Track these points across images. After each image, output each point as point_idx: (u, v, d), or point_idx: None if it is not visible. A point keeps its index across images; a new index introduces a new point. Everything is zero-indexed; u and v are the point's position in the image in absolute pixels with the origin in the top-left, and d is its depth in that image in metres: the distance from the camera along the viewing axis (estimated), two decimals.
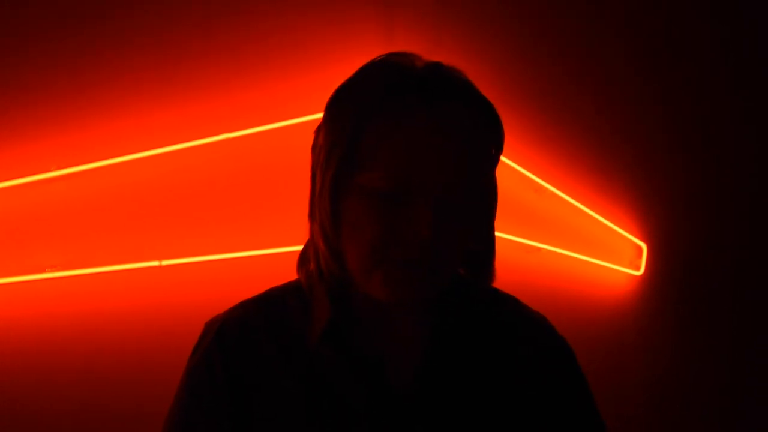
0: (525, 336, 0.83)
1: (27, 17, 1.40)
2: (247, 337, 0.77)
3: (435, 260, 0.67)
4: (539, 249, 1.89)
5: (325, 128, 0.71)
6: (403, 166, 0.65)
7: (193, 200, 1.54)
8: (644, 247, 2.09)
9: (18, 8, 1.40)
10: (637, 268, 2.08)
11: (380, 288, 0.69)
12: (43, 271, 1.40)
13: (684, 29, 2.12)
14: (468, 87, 0.70)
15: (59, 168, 1.40)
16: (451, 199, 0.67)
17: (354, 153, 0.67)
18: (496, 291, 0.86)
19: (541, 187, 1.88)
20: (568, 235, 1.96)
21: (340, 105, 0.71)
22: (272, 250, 1.55)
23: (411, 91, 0.67)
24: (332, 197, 0.69)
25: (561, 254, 1.93)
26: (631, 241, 2.07)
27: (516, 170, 1.82)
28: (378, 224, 0.66)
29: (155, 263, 1.48)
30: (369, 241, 0.67)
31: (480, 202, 0.72)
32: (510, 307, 0.86)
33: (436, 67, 0.70)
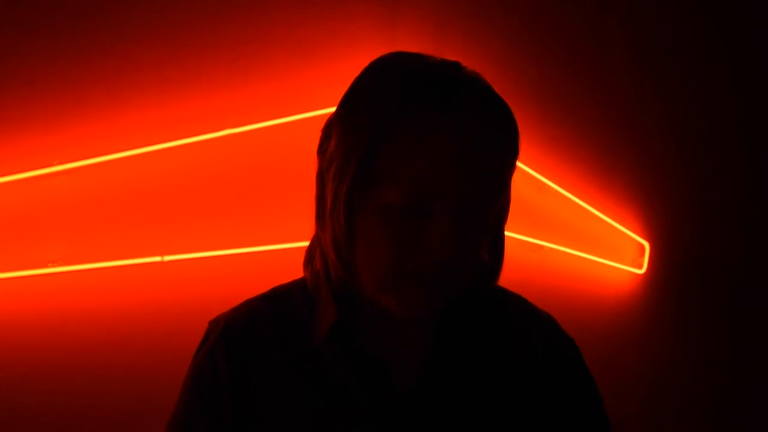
0: (531, 334, 0.82)
1: (29, 12, 1.40)
2: (252, 336, 0.77)
3: (453, 276, 0.66)
4: (542, 247, 1.89)
5: (337, 135, 0.67)
6: (423, 182, 0.62)
7: (196, 196, 1.54)
8: (647, 245, 2.08)
9: (20, 3, 1.40)
10: (640, 267, 2.08)
11: (395, 305, 0.67)
12: (45, 265, 1.40)
13: (687, 29, 2.11)
14: (490, 95, 0.67)
15: (61, 163, 1.40)
16: (471, 211, 0.64)
17: (370, 166, 0.63)
18: (504, 290, 0.85)
19: (544, 185, 1.88)
20: (570, 234, 1.96)
21: (355, 112, 0.66)
22: (275, 246, 1.55)
23: (431, 100, 0.63)
24: (347, 212, 0.66)
25: (563, 252, 1.93)
26: (634, 240, 2.07)
27: (519, 168, 1.80)
28: (395, 242, 0.64)
29: (157, 258, 1.48)
30: (385, 258, 0.64)
31: (496, 215, 0.70)
32: (516, 307, 0.85)
33: (457, 72, 0.66)
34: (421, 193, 0.62)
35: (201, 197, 1.54)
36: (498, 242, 0.74)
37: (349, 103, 0.68)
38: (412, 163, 0.62)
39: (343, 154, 0.65)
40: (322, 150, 0.71)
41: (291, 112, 1.57)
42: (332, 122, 0.70)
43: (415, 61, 0.67)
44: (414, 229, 0.64)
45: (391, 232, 0.64)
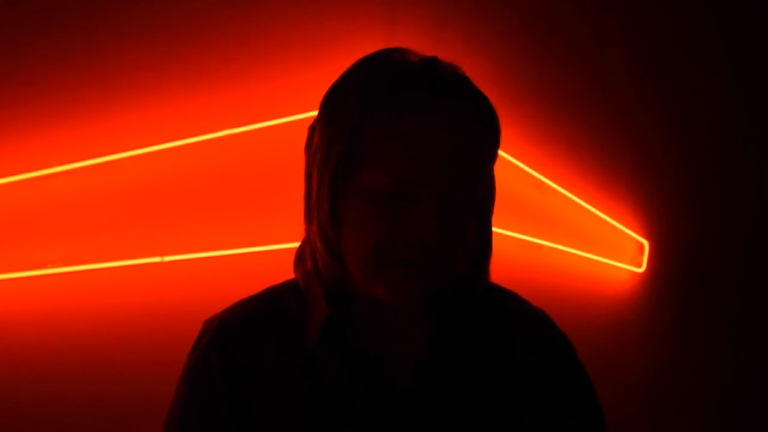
0: (525, 331, 0.82)
1: (29, 12, 1.40)
2: (246, 336, 0.77)
3: (438, 259, 0.67)
4: (541, 246, 1.89)
5: (321, 128, 0.70)
6: (405, 165, 0.64)
7: (195, 196, 1.54)
8: (646, 244, 2.08)
9: (20, 3, 1.40)
10: (639, 265, 2.08)
11: (384, 291, 0.68)
12: (44, 266, 1.40)
13: (687, 29, 2.11)
14: (466, 83, 0.69)
15: (61, 164, 1.40)
16: (453, 197, 0.66)
17: (353, 152, 0.65)
18: (497, 287, 0.85)
19: (543, 184, 1.88)
20: (570, 232, 1.96)
21: (336, 104, 0.69)
22: (274, 247, 1.56)
23: (410, 88, 0.65)
24: (331, 198, 0.67)
25: (563, 251, 1.93)
26: (633, 238, 2.07)
27: (518, 167, 1.82)
28: (380, 226, 0.65)
29: (157, 259, 1.48)
30: (371, 243, 0.66)
31: (480, 199, 0.71)
32: (510, 303, 0.85)
33: (434, 62, 0.68)
34: (403, 177, 0.64)
35: (200, 198, 1.54)
36: (485, 233, 0.75)
37: (330, 99, 0.71)
38: (393, 148, 0.64)
39: (326, 144, 0.68)
40: (307, 147, 0.73)
41: (290, 113, 1.57)
42: (316, 120, 0.72)
43: (395, 56, 0.69)
44: (398, 212, 0.65)
45: (375, 216, 0.65)
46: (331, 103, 0.70)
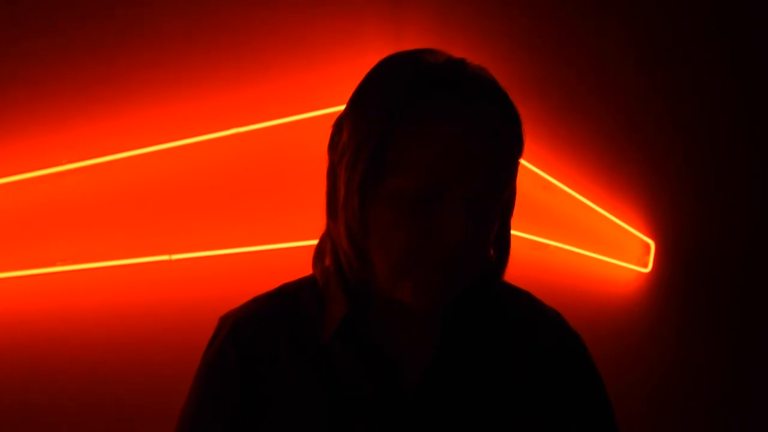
0: (538, 331, 0.82)
1: (37, 11, 1.41)
2: (261, 333, 0.78)
3: (464, 262, 0.67)
4: (547, 245, 1.89)
5: (349, 126, 0.69)
6: (434, 170, 0.63)
7: (204, 194, 1.54)
8: (652, 244, 2.08)
9: (28, 3, 1.41)
10: (645, 265, 2.08)
11: (409, 295, 0.68)
12: (53, 264, 1.41)
13: (691, 27, 2.11)
14: (495, 87, 0.69)
15: (70, 162, 1.41)
16: (480, 200, 0.66)
17: (382, 156, 0.65)
18: (510, 286, 0.86)
19: (550, 184, 1.88)
20: (576, 232, 1.96)
21: (366, 103, 0.68)
22: (282, 245, 1.56)
23: (438, 91, 0.65)
24: (360, 202, 0.67)
25: (569, 251, 1.93)
26: (639, 238, 2.07)
27: (525, 167, 1.82)
28: (408, 230, 0.65)
29: (165, 257, 1.49)
30: (399, 246, 0.66)
31: (505, 203, 0.71)
32: (524, 303, 0.86)
33: (463, 65, 0.68)
34: (431, 181, 0.64)
35: (209, 196, 1.55)
36: (504, 237, 0.75)
37: (359, 98, 0.70)
38: (422, 152, 0.64)
39: (355, 146, 0.67)
40: (332, 145, 0.72)
41: (298, 111, 1.58)
42: (343, 117, 0.71)
43: (423, 56, 0.68)
44: (426, 216, 0.65)
45: (403, 221, 0.65)
46: (360, 105, 0.69)
